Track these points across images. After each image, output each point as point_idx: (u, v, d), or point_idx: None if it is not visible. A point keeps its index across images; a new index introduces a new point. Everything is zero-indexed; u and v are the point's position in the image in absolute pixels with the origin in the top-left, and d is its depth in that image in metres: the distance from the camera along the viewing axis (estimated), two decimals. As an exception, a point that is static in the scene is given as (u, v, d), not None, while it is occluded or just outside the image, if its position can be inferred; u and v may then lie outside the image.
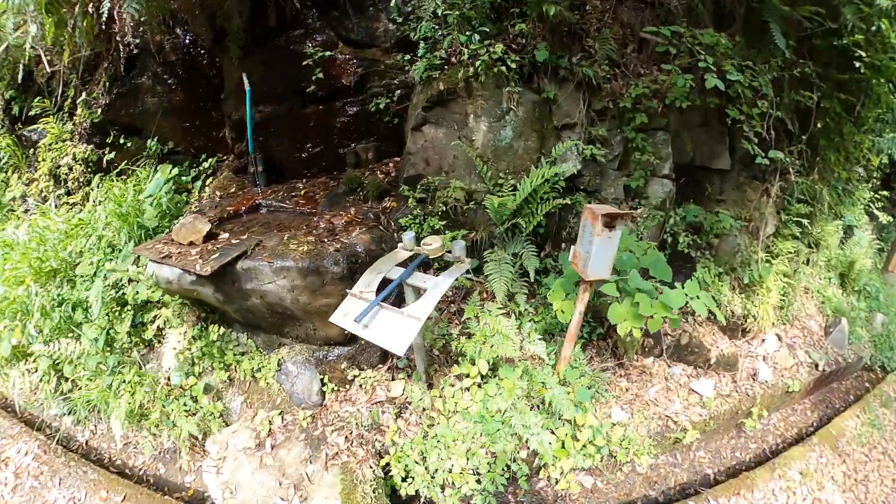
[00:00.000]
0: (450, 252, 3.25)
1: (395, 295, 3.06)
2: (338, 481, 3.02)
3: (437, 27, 4.44)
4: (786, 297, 5.71)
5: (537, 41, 4.28)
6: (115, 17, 3.71)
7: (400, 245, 3.38)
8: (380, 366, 3.74)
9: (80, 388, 3.68)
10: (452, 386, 3.50)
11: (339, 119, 4.90)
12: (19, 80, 4.63)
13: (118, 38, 3.93)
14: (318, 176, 5.04)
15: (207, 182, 4.81)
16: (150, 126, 4.86)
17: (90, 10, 3.48)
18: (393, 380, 3.66)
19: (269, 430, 3.39)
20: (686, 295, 3.71)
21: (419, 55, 4.43)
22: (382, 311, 2.78)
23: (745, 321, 5.30)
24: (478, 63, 4.12)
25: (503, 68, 4.16)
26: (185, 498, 3.47)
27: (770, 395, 4.88)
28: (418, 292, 3.00)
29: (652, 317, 3.51)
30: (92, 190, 4.56)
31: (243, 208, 4.43)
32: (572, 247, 3.45)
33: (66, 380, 3.78)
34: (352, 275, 3.32)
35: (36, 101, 4.71)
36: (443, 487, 3.17)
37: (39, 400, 3.84)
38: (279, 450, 3.26)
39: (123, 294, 3.82)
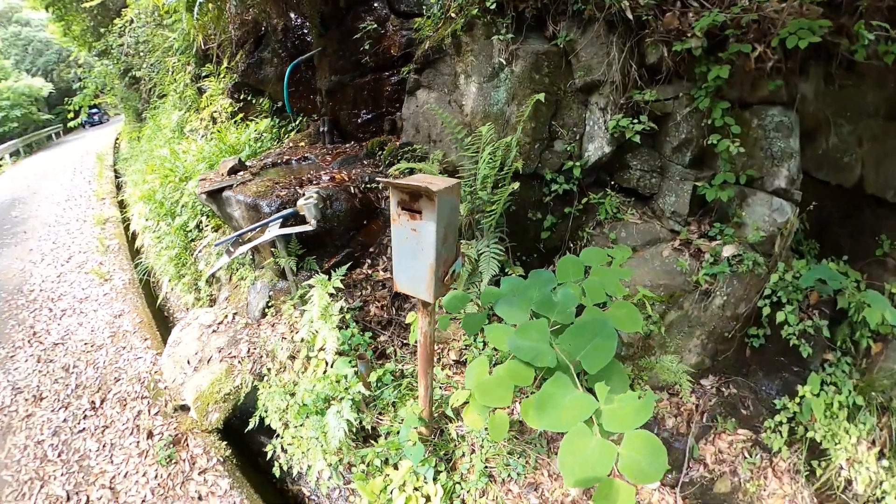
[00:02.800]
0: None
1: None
2: (218, 371, 3.93)
3: None
4: None
5: None
6: (227, 10, 5.01)
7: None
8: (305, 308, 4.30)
9: (159, 256, 5.41)
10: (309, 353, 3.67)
11: (386, 88, 5.48)
12: (195, 53, 6.70)
13: (232, 24, 5.33)
14: (367, 139, 5.76)
15: (292, 135, 6.06)
16: (268, 89, 6.40)
17: (211, 6, 4.82)
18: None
19: (222, 320, 4.45)
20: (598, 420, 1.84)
21: (426, 16, 4.38)
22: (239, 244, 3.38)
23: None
24: (452, 10, 3.71)
25: (475, 10, 3.54)
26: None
27: None
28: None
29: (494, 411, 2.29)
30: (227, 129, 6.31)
31: (293, 158, 5.51)
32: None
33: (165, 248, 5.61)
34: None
35: (206, 66, 6.75)
36: (293, 438, 3.41)
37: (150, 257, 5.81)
38: (213, 335, 4.29)
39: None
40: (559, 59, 3.56)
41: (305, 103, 6.41)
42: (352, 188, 4.43)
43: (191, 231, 5.43)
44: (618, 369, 2.13)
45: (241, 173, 4.75)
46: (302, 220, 3.50)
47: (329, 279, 3.55)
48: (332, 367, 3.41)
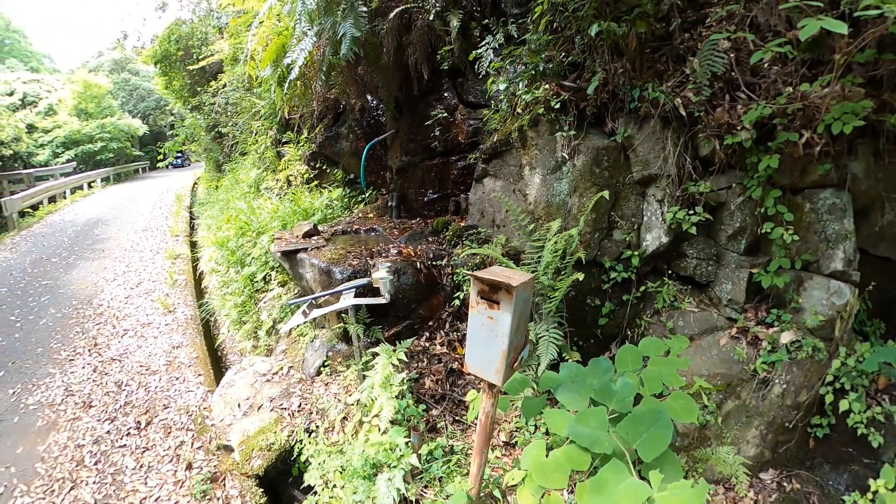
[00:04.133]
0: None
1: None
2: (268, 420, 3.90)
3: (496, 77, 4.40)
4: None
5: (596, 71, 3.46)
6: (312, 89, 5.39)
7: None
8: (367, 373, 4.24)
9: (223, 300, 5.53)
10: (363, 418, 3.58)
11: (452, 171, 5.68)
12: (278, 120, 7.19)
13: (316, 100, 5.74)
14: (432, 217, 5.91)
15: (361, 206, 6.28)
16: (342, 161, 6.74)
17: (299, 84, 5.22)
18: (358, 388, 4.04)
19: (277, 371, 4.44)
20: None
21: (492, 110, 4.61)
22: (307, 308, 3.41)
23: None
24: (519, 107, 3.88)
25: (541, 109, 3.68)
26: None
27: None
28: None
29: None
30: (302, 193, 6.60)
31: (363, 229, 5.69)
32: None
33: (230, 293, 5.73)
34: (352, 284, 4.03)
35: (287, 133, 7.21)
36: (331, 499, 3.31)
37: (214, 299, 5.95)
38: (266, 384, 4.28)
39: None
40: (618, 153, 3.63)
41: (375, 178, 6.70)
42: (418, 263, 4.48)
43: (258, 282, 5.56)
44: (671, 459, 2.10)
45: (315, 238, 4.90)
46: (375, 293, 3.54)
47: (394, 350, 3.52)
48: (385, 434, 3.33)
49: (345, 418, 3.79)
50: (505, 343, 2.15)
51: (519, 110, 4.12)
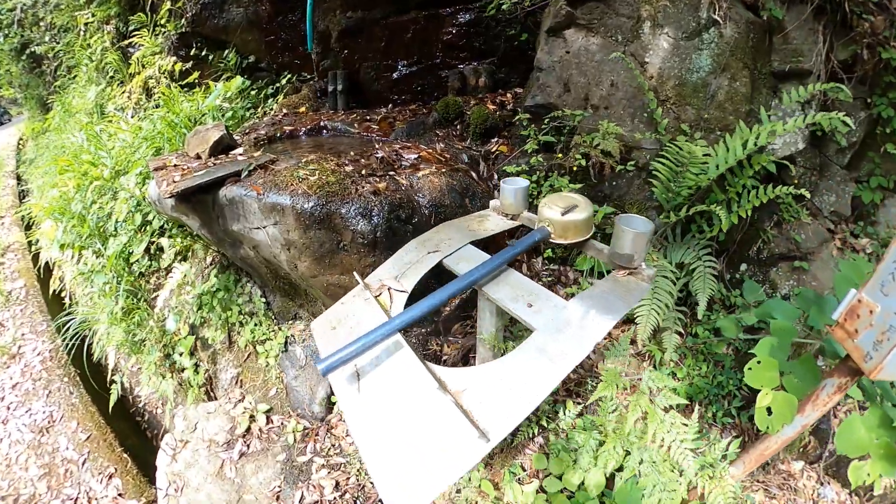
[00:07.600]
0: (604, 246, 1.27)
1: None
2: None
3: None
4: None
5: None
6: None
7: (493, 203, 1.55)
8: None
9: (94, 307, 2.69)
10: (525, 483, 1.56)
11: (445, 31, 3.22)
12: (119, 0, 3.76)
13: None
14: (411, 102, 3.44)
15: (280, 99, 3.47)
16: (233, 38, 3.74)
17: None
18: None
19: (248, 428, 2.03)
20: None
21: None
22: (395, 358, 0.97)
23: None
24: None
25: None
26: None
27: None
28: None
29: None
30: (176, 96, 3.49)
31: (303, 129, 3.05)
32: (852, 295, 1.09)
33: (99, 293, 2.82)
34: (393, 242, 1.60)
35: (136, 16, 3.82)
36: None
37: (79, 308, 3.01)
38: (248, 463, 1.90)
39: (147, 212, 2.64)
40: (763, 34, 2.44)
41: (291, 57, 3.79)
42: (472, 174, 2.14)
43: (139, 263, 2.73)
44: None
45: (241, 154, 2.20)
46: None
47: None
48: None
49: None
50: None
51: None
